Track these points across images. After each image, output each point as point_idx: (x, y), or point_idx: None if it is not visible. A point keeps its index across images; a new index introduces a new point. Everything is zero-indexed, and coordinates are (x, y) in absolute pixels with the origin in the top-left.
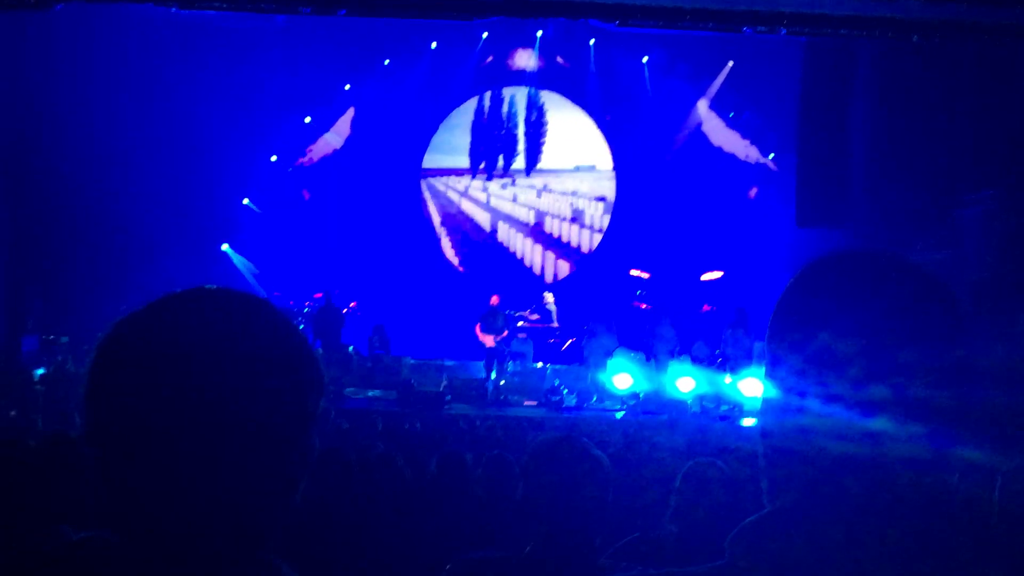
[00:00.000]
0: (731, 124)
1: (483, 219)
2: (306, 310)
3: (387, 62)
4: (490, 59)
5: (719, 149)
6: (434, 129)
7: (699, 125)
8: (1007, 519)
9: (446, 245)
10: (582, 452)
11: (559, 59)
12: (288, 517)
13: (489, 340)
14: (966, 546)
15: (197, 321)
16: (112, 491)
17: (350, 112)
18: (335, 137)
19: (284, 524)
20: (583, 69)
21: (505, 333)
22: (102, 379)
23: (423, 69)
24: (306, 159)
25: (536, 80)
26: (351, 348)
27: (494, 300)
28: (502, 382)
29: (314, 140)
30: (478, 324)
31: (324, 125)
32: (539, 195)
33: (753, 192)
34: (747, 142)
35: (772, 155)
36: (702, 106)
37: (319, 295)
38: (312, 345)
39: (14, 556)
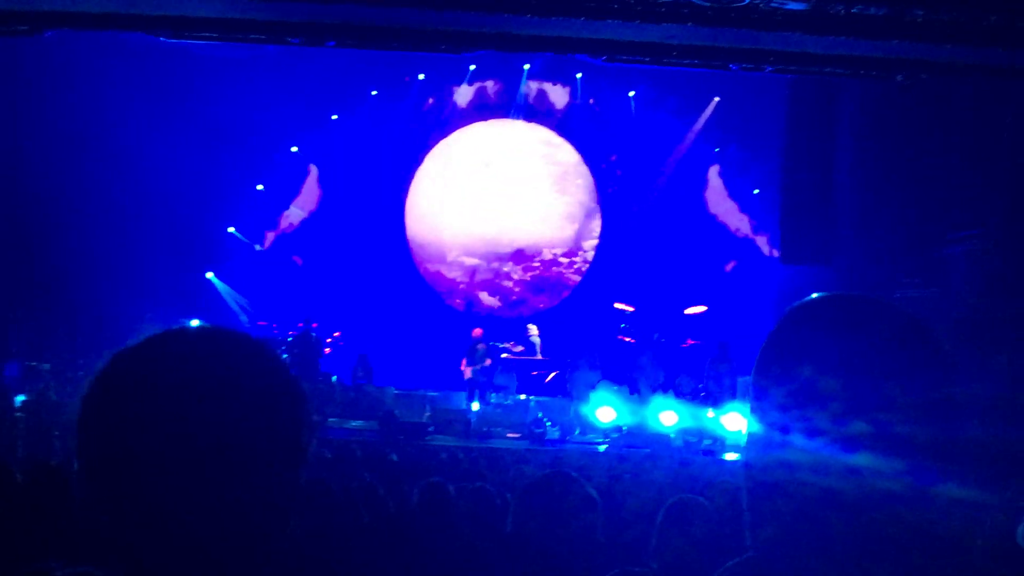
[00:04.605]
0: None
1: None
2: (289, 339)
3: (374, 92)
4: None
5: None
6: (419, 161)
7: (684, 157)
8: (991, 555)
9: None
10: (576, 489)
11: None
12: (275, 551)
13: (468, 371)
14: None
15: (194, 357)
16: (103, 523)
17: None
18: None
19: (270, 558)
20: (569, 103)
21: (488, 362)
22: (97, 410)
23: (410, 101)
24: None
25: (523, 114)
26: (334, 378)
27: (476, 332)
28: (488, 404)
29: (299, 170)
30: (464, 359)
31: (310, 154)
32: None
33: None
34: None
35: (757, 191)
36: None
37: (301, 324)
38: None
39: None
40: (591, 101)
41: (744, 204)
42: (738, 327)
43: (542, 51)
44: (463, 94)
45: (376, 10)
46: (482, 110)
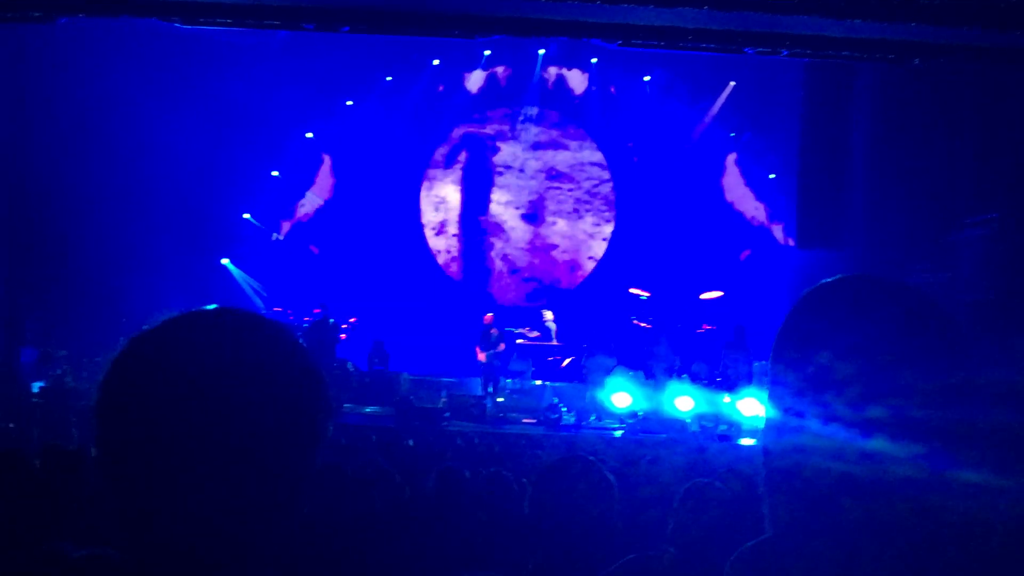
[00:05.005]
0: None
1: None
2: (305, 325)
3: (389, 78)
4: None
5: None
6: (435, 146)
7: (700, 142)
8: (1008, 541)
9: (444, 258)
10: (593, 472)
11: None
12: (289, 536)
13: (482, 356)
14: (965, 567)
15: (213, 340)
16: (118, 506)
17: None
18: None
19: (284, 542)
20: (585, 89)
21: (502, 347)
22: (115, 394)
23: (424, 86)
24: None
25: (536, 99)
26: (349, 364)
27: (488, 318)
28: (500, 398)
29: (314, 157)
30: (478, 346)
31: (325, 140)
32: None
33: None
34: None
35: (773, 175)
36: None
37: (318, 310)
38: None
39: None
40: (612, 90)
41: (760, 191)
42: (754, 312)
43: (556, 35)
44: (474, 80)
45: None
46: (494, 96)
